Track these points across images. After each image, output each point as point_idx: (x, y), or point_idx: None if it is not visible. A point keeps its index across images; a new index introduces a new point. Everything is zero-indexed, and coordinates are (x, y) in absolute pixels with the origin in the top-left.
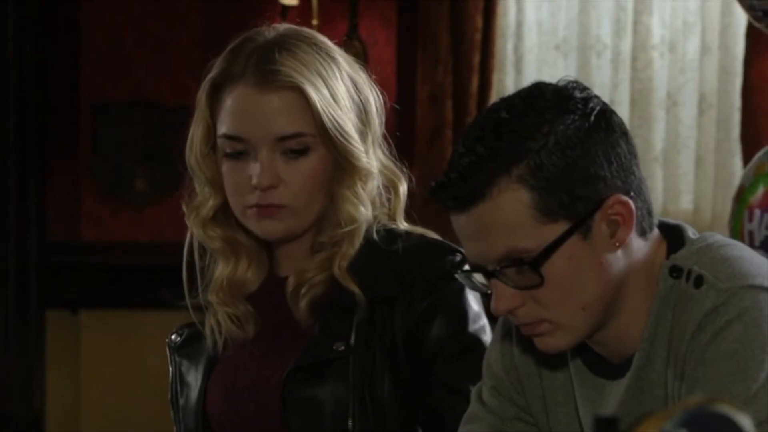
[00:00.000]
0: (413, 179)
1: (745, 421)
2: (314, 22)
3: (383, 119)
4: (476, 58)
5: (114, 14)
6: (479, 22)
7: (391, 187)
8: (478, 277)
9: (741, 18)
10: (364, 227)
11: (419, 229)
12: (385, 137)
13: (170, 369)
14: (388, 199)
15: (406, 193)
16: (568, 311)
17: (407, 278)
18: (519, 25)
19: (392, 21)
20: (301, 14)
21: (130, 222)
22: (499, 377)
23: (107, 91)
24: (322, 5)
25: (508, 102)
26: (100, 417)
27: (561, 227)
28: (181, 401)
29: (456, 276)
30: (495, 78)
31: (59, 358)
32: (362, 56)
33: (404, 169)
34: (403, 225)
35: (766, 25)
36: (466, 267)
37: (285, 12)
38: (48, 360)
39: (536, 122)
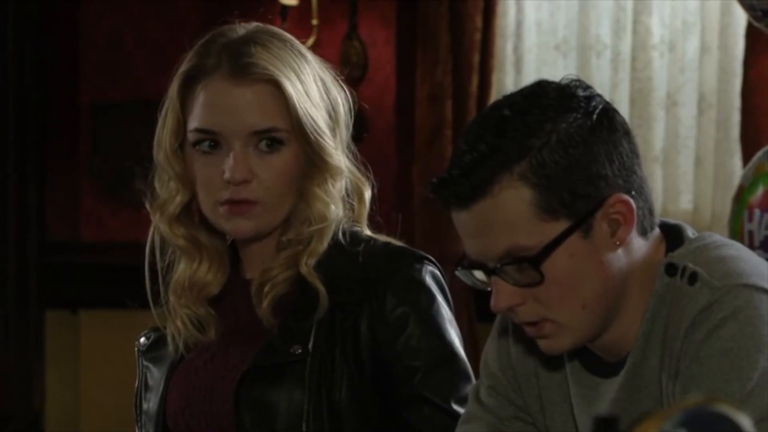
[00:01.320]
0: (376, 185)
1: (744, 420)
2: (314, 22)
3: (351, 122)
4: (476, 58)
5: (114, 14)
6: (479, 22)
7: (355, 192)
8: (478, 275)
9: (741, 18)
10: (333, 226)
11: (383, 236)
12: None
13: (137, 373)
14: (351, 204)
15: (370, 198)
16: (568, 310)
17: (373, 284)
18: (518, 25)
19: (392, 21)
20: (301, 14)
21: (130, 222)
22: (496, 377)
23: (107, 91)
24: (321, 5)
25: (510, 100)
26: (99, 417)
27: (562, 225)
28: (145, 406)
29: (456, 273)
30: (495, 78)
31: (59, 358)
32: (362, 56)
33: (368, 175)
34: (366, 231)
35: (765, 25)
36: (466, 263)
37: (285, 12)
38: (48, 360)
39: (539, 120)
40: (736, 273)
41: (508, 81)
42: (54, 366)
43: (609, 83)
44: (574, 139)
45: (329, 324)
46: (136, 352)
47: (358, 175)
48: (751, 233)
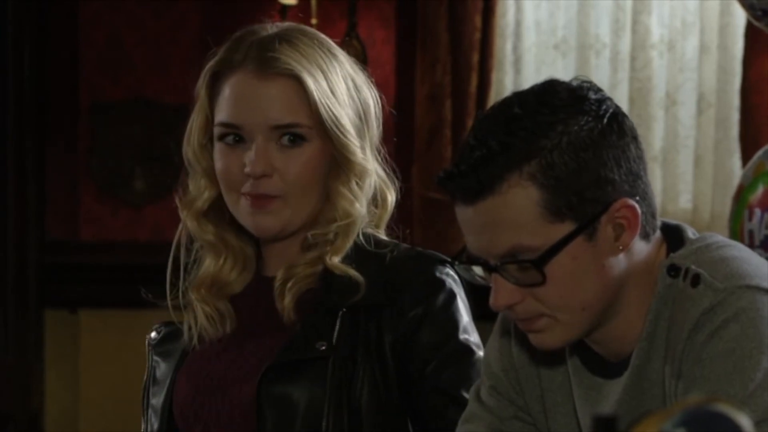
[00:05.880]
0: (400, 191)
1: (744, 421)
2: (313, 21)
3: (380, 123)
4: (475, 58)
5: (113, 14)
6: (478, 21)
7: (380, 195)
8: (478, 270)
9: (740, 17)
10: (359, 224)
11: (402, 244)
12: (380, 145)
13: (147, 367)
14: (374, 209)
15: (393, 204)
16: (568, 310)
17: (397, 287)
18: (518, 24)
19: (391, 21)
20: (300, 14)
21: (129, 221)
22: (497, 377)
23: (106, 91)
24: (321, 5)
25: (521, 97)
26: (99, 417)
27: (567, 228)
28: (153, 400)
29: (456, 267)
30: (494, 78)
31: (58, 357)
32: (361, 56)
33: (395, 180)
34: (383, 236)
35: (765, 25)
36: (466, 258)
37: (284, 11)
38: (47, 359)
39: (549, 120)
40: (738, 274)
41: (507, 81)
42: (53, 365)
43: (608, 83)
44: (585, 143)
45: (353, 323)
46: (146, 346)
47: (385, 179)
48: (751, 233)
